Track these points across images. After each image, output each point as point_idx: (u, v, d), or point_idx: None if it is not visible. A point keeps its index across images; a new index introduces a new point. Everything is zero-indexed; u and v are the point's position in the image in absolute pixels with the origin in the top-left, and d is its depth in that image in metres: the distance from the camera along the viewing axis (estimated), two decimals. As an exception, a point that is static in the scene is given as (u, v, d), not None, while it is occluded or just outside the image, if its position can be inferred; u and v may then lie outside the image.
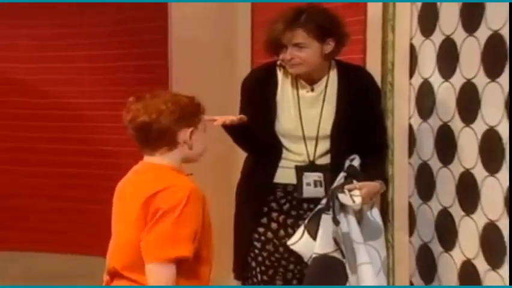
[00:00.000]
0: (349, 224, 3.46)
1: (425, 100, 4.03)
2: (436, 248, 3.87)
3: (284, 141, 3.57)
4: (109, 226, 3.12)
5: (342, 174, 3.54)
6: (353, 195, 3.43)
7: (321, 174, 3.55)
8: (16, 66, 6.66)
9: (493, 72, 3.46)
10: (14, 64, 6.67)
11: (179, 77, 5.79)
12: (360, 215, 3.56)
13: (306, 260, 3.54)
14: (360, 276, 3.44)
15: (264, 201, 3.61)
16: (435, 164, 3.96)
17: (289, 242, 3.53)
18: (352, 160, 3.57)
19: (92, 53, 6.38)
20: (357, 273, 3.45)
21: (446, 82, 3.82)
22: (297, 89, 3.56)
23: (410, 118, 4.06)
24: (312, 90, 3.55)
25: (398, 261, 4.13)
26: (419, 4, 3.97)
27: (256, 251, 3.61)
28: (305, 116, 3.53)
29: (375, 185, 3.54)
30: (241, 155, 4.24)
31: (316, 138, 3.54)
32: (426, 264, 4.00)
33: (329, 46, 3.49)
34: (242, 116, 3.45)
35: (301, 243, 3.54)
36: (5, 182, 6.76)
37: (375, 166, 3.65)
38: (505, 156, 3.38)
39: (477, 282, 3.60)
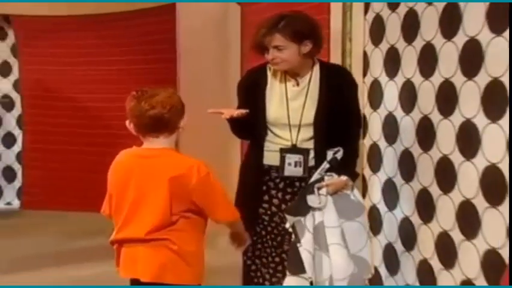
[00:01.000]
0: (324, 213, 3.29)
1: (375, 95, 4.07)
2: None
3: (273, 129, 3.39)
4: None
5: (325, 165, 3.33)
6: (321, 194, 3.27)
7: (301, 156, 3.35)
8: (70, 68, 6.73)
9: (426, 73, 3.53)
10: (68, 67, 6.74)
11: (185, 77, 5.79)
12: (344, 196, 3.37)
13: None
14: (331, 254, 3.27)
15: (261, 181, 3.43)
16: (382, 144, 3.99)
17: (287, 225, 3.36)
18: (336, 153, 3.35)
19: (120, 59, 6.39)
20: (328, 251, 3.28)
21: (391, 81, 3.87)
22: (285, 83, 3.40)
23: (363, 108, 4.02)
24: (297, 84, 3.38)
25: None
26: (370, 20, 3.99)
27: (266, 223, 3.43)
28: (291, 107, 3.35)
29: (341, 181, 3.32)
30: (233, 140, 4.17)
31: (299, 126, 3.35)
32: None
33: (307, 47, 3.28)
34: (244, 110, 3.31)
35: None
36: (61, 158, 6.87)
37: (346, 161, 3.37)
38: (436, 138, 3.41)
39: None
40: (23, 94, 7.16)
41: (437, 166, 3.47)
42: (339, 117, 3.33)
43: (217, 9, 5.82)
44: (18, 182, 7.31)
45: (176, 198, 2.83)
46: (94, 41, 6.55)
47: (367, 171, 4.17)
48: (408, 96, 3.69)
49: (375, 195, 4.09)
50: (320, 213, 3.29)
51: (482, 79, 3.11)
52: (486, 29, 3.08)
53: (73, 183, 6.75)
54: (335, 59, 4.22)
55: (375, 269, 3.80)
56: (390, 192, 3.93)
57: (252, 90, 3.43)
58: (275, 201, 3.41)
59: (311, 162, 3.37)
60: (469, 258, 3.26)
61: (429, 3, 3.48)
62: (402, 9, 3.72)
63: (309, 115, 3.34)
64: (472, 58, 3.17)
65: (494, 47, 3.03)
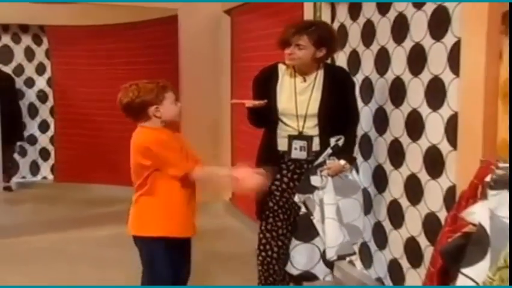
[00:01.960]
0: (324, 192, 3.23)
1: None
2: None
3: (283, 118, 3.28)
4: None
5: (328, 151, 3.26)
6: (323, 175, 3.22)
7: (305, 142, 3.26)
8: (91, 68, 6.68)
9: (381, 71, 3.51)
10: (90, 67, 6.69)
11: (185, 74, 5.73)
12: (343, 177, 3.30)
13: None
14: (326, 226, 3.23)
15: (275, 163, 3.30)
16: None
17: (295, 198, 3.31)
18: (338, 140, 3.27)
19: (130, 60, 6.32)
20: (324, 223, 3.24)
21: (353, 77, 3.81)
22: (294, 80, 3.29)
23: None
24: (305, 81, 3.28)
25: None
26: (336, 27, 3.92)
27: (277, 198, 3.32)
28: (298, 100, 3.26)
29: (339, 165, 3.24)
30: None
31: (305, 116, 3.25)
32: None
33: (321, 53, 3.21)
34: (263, 101, 3.23)
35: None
36: (85, 141, 6.80)
37: (344, 148, 3.29)
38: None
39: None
40: (54, 89, 7.14)
41: (390, 146, 3.47)
42: (339, 110, 3.26)
43: (211, 19, 5.79)
44: (51, 160, 7.30)
45: (139, 164, 2.77)
46: (110, 45, 6.50)
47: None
48: (367, 90, 3.67)
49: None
50: (322, 192, 3.25)
51: (426, 76, 3.12)
52: (428, 36, 3.09)
53: (95, 161, 6.73)
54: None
55: (365, 243, 3.75)
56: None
57: (265, 85, 3.34)
58: (285, 179, 3.33)
59: (316, 148, 3.29)
60: (414, 220, 3.28)
61: (383, 15, 3.47)
62: (362, 19, 3.70)
63: (314, 107, 3.26)
64: (417, 59, 3.18)
65: (435, 50, 3.04)
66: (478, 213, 1.80)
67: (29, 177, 7.28)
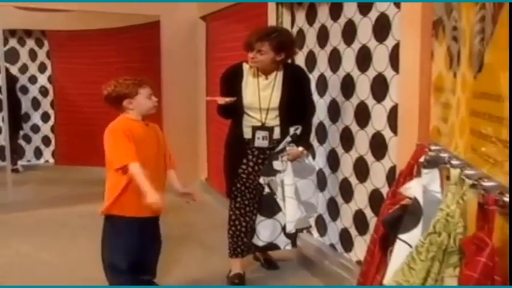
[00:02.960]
0: (285, 175, 3.21)
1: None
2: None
3: (248, 111, 3.22)
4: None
5: (287, 139, 3.23)
6: (283, 160, 3.21)
7: (267, 132, 3.22)
8: (86, 67, 6.51)
9: (334, 69, 3.47)
10: (85, 66, 6.54)
11: (167, 74, 5.69)
12: (301, 161, 3.28)
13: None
14: (286, 203, 3.23)
15: (242, 149, 3.27)
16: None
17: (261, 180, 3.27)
18: (296, 129, 3.23)
19: (119, 60, 6.19)
20: (284, 201, 3.24)
21: (310, 74, 3.70)
22: (258, 78, 3.23)
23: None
24: (266, 78, 3.23)
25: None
26: (295, 32, 3.90)
27: (244, 180, 3.28)
28: (261, 95, 3.21)
29: (298, 151, 3.21)
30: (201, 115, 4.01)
31: (267, 109, 3.20)
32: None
33: (280, 57, 3.16)
34: (233, 98, 3.18)
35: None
36: (82, 129, 6.64)
37: (302, 137, 3.25)
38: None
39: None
40: (54, 85, 7.05)
41: (342, 133, 3.46)
42: (297, 103, 3.23)
43: (189, 24, 5.75)
44: (52, 146, 7.22)
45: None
46: (102, 47, 6.39)
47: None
48: (321, 85, 3.65)
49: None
50: (282, 174, 3.23)
51: (371, 73, 3.11)
52: (373, 39, 3.07)
53: (90, 146, 6.57)
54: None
55: (321, 216, 3.74)
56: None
57: (232, 82, 3.28)
58: (251, 163, 3.29)
59: (277, 136, 3.25)
60: (361, 195, 3.29)
61: (335, 21, 3.45)
62: (317, 25, 3.67)
63: (275, 101, 3.21)
64: (364, 59, 3.16)
65: (379, 51, 3.02)
66: (413, 188, 1.81)
67: (34, 161, 7.19)
